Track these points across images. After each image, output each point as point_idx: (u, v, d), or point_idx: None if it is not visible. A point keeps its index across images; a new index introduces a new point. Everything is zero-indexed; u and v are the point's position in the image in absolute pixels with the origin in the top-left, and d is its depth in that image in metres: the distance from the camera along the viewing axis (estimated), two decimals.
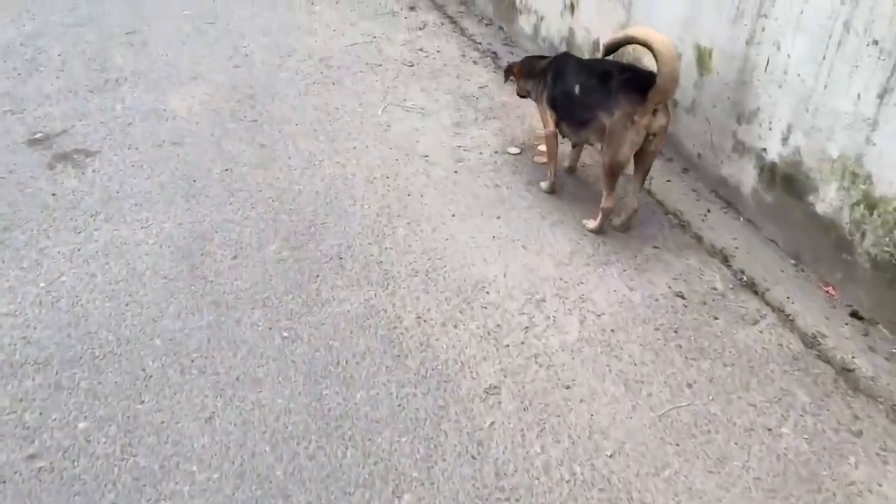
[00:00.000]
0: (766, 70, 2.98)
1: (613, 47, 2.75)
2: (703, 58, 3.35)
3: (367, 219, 3.15)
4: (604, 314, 2.64)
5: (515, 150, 3.73)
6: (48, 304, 2.63)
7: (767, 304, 2.72)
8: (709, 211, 3.29)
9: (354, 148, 3.71)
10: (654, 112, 2.69)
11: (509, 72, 3.55)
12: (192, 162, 3.52)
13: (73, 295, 2.68)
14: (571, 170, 3.52)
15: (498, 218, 3.18)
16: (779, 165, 3.01)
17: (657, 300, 2.71)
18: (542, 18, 4.87)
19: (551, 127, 3.19)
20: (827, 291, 2.81)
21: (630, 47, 3.67)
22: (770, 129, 3.02)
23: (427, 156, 3.67)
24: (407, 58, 4.84)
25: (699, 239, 3.09)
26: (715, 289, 2.78)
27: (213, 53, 4.74)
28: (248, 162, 3.54)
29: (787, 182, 2.98)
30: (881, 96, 2.49)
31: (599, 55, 2.86)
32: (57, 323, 2.55)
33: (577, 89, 2.96)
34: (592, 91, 2.89)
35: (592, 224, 3.07)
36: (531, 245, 3.01)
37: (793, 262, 2.98)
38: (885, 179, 2.55)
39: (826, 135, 2.75)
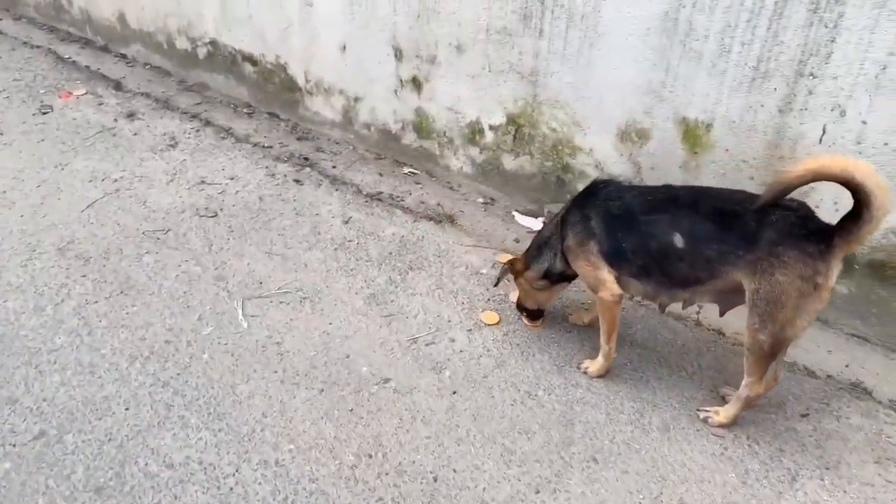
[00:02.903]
0: (820, 141, 2.33)
1: (790, 188, 1.75)
2: (693, 133, 2.58)
3: None
4: None
5: (494, 319, 2.52)
6: None
7: None
8: None
9: (264, 416, 2.11)
10: None
11: (508, 271, 2.39)
12: None
13: None
14: (593, 324, 2.47)
15: (595, 462, 2.00)
16: (858, 252, 2.40)
17: None
18: (356, 100, 3.60)
19: (616, 290, 2.08)
20: None
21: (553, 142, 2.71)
22: (836, 210, 2.39)
23: (387, 379, 2.25)
24: (196, 202, 3.15)
25: (811, 374, 2.34)
26: None
27: None
28: None
29: (876, 270, 2.39)
30: None
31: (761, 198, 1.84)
32: None
33: (677, 240, 1.92)
34: (711, 240, 1.89)
35: (721, 417, 2.09)
36: (686, 493, 1.92)
37: None
38: None
39: None
